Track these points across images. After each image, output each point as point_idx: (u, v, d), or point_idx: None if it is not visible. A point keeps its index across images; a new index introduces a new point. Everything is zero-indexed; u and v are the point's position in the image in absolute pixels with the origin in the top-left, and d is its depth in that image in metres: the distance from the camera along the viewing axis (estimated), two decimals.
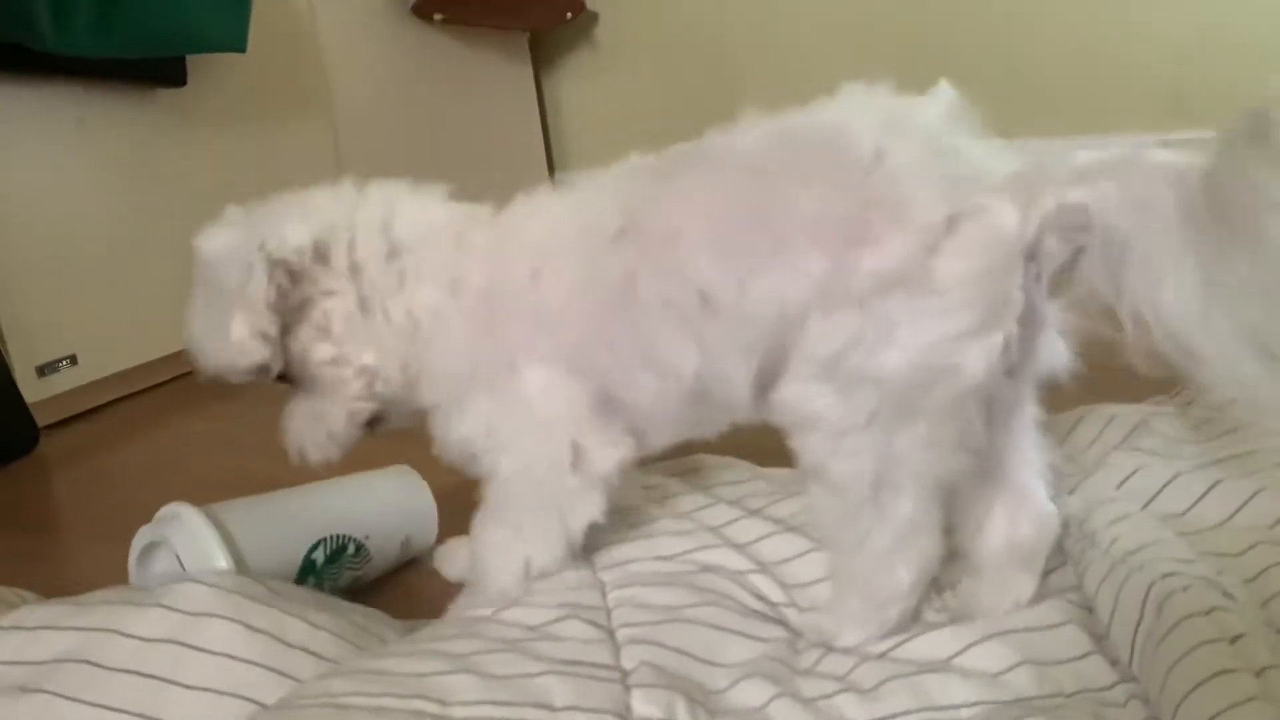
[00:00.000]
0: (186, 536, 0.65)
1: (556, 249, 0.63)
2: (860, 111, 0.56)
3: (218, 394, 1.28)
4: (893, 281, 0.50)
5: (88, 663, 0.53)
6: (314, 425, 0.67)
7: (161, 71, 1.29)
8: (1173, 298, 0.46)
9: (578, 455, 0.63)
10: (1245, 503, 0.66)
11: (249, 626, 0.56)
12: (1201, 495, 0.67)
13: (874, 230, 0.51)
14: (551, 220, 0.65)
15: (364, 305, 0.65)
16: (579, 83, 2.10)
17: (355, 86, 1.61)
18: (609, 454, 0.63)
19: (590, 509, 0.64)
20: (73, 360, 1.23)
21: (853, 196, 0.52)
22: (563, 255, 0.62)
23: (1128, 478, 0.70)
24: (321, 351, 0.65)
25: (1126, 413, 0.79)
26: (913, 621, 0.59)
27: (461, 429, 0.65)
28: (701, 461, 0.81)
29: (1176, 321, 0.46)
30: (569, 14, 1.94)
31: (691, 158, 0.60)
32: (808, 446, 0.55)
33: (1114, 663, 0.53)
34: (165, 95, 1.31)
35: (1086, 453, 0.76)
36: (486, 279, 0.64)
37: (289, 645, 0.56)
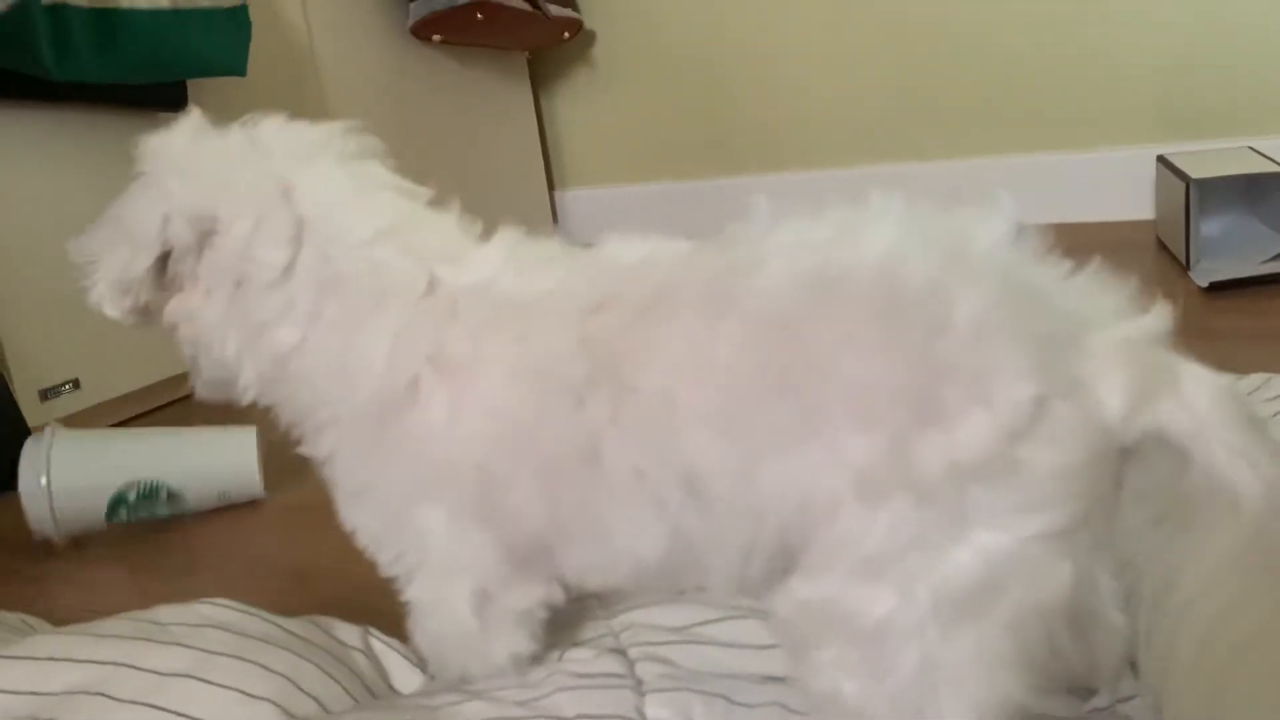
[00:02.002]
0: (30, 453, 0.86)
1: (487, 387, 0.51)
2: (911, 241, 0.43)
3: (221, 415, 1.28)
4: (969, 473, 0.39)
5: (102, 695, 0.53)
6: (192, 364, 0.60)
7: (162, 95, 1.29)
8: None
9: (485, 600, 0.54)
10: None
11: (266, 669, 0.55)
12: None
13: (946, 407, 0.39)
14: (489, 340, 0.52)
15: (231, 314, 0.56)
16: (577, 101, 2.11)
17: (354, 107, 1.61)
18: (529, 593, 0.55)
19: (508, 645, 0.55)
20: (75, 384, 1.23)
21: (915, 361, 0.40)
22: (496, 395, 0.51)
23: None
24: (181, 333, 0.60)
25: None
26: None
27: (347, 521, 0.57)
28: None
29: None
30: (566, 34, 1.94)
31: (692, 291, 0.46)
32: (820, 663, 0.43)
33: None
34: (166, 119, 1.31)
35: None
36: (380, 386, 0.52)
37: (303, 691, 0.55)
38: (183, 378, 1.34)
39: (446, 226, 0.58)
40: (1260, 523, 0.38)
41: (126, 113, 1.27)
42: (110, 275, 0.59)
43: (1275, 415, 0.83)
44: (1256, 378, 0.90)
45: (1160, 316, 0.42)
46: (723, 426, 0.44)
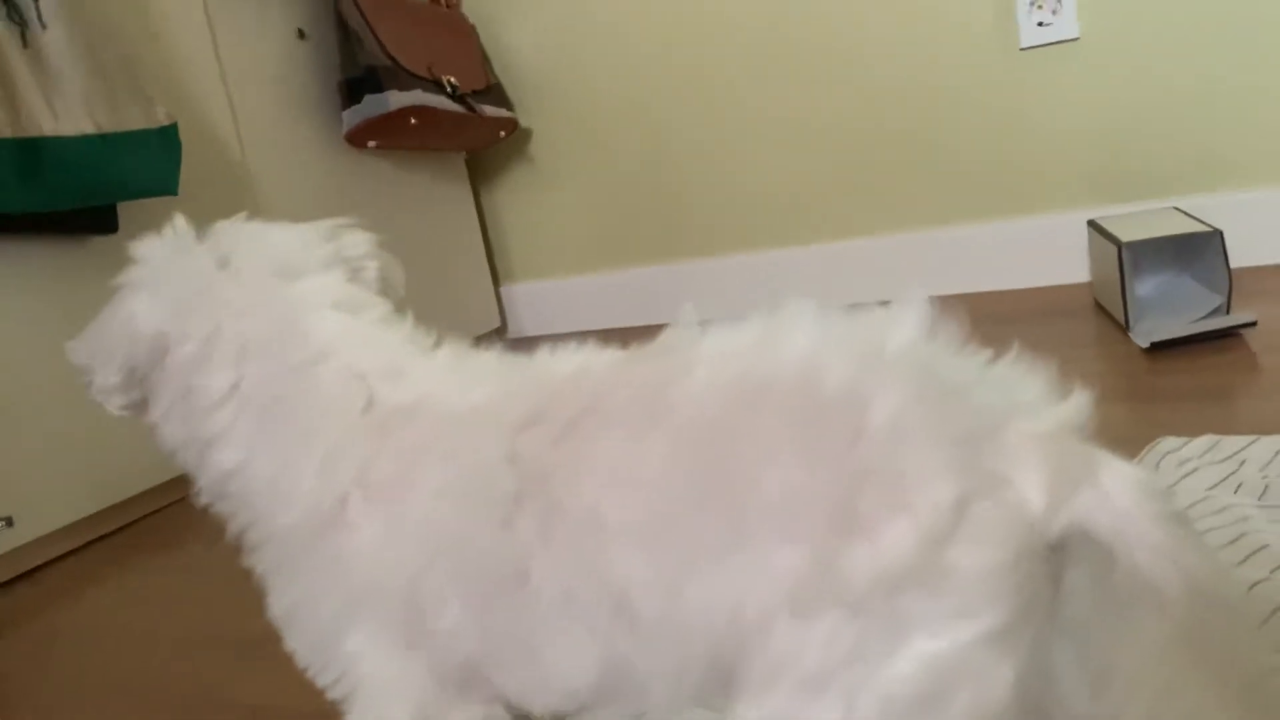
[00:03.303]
0: None
1: (415, 508, 0.50)
2: (826, 343, 0.43)
3: (161, 545, 1.25)
4: (898, 581, 0.38)
5: None
6: None
7: (92, 220, 1.27)
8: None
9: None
10: None
11: None
12: None
13: (868, 515, 0.38)
14: (417, 459, 0.51)
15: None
16: (518, 196, 2.12)
17: (289, 217, 1.60)
18: (470, 716, 0.52)
19: None
20: (8, 522, 1.18)
21: (834, 470, 0.40)
22: (423, 516, 0.50)
23: None
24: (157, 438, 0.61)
25: None
26: None
27: (287, 641, 0.55)
28: None
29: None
30: (503, 133, 1.96)
31: (619, 405, 0.46)
32: None
33: None
34: (97, 242, 1.30)
35: None
36: (309, 506, 0.53)
37: None
38: (122, 506, 1.31)
39: (391, 343, 0.58)
40: (1184, 618, 0.38)
41: (56, 239, 1.25)
42: (95, 381, 0.62)
43: (1227, 478, 0.83)
44: (1205, 440, 0.90)
45: (1078, 406, 0.41)
46: (650, 543, 0.43)
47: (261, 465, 0.55)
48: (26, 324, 1.23)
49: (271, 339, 0.56)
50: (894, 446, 0.39)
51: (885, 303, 0.43)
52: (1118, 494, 0.39)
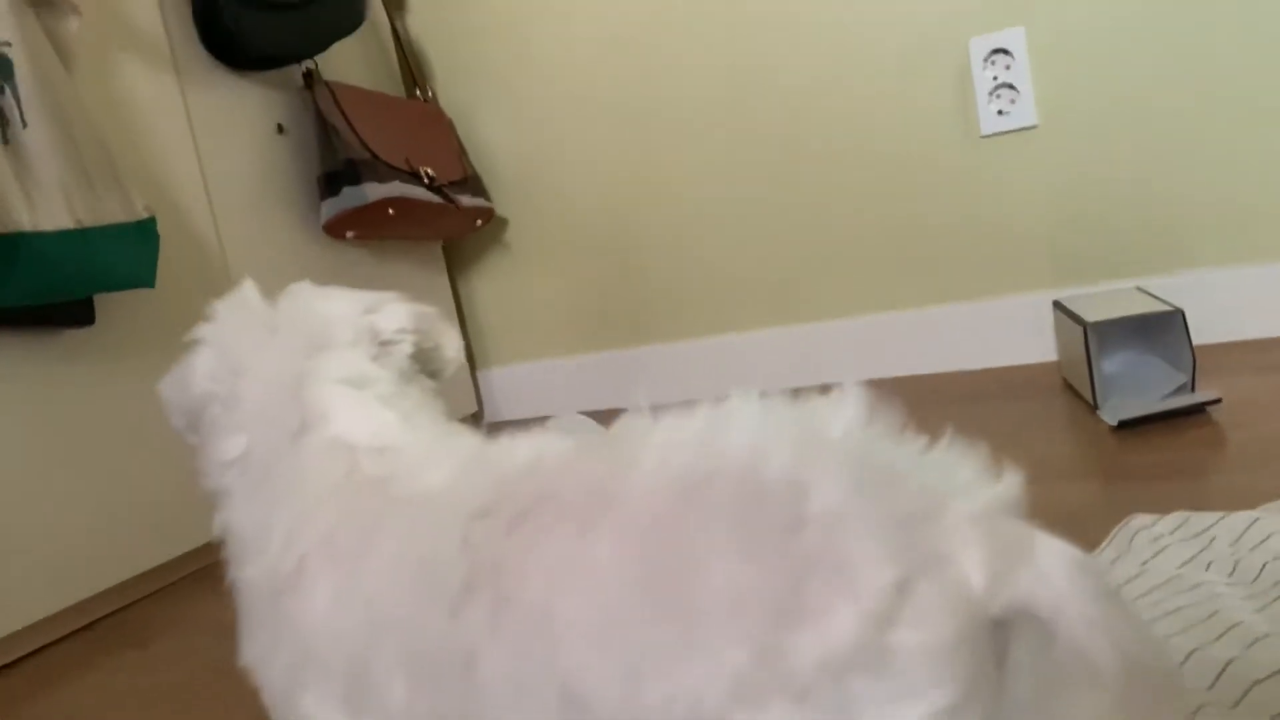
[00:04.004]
0: None
1: (369, 581, 0.51)
2: (767, 433, 0.43)
3: (130, 642, 1.22)
4: (843, 666, 0.38)
5: None
6: None
7: (69, 313, 1.28)
8: None
9: None
10: (1184, 660, 0.66)
11: None
12: None
13: (811, 603, 0.39)
14: (379, 534, 0.52)
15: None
16: (494, 282, 2.14)
17: None
18: None
19: None
20: None
21: (776, 560, 0.40)
22: (376, 591, 0.51)
23: None
24: None
25: None
26: None
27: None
28: None
29: None
30: (479, 221, 1.99)
31: (569, 497, 0.46)
32: None
33: None
34: (72, 336, 1.30)
35: None
36: (272, 564, 0.55)
37: None
38: (92, 601, 1.29)
39: (382, 418, 0.60)
40: (1121, 696, 0.38)
41: (29, 331, 1.25)
42: (171, 420, 0.69)
43: (1198, 555, 0.84)
44: (1175, 517, 0.91)
45: (1012, 485, 0.42)
46: (601, 640, 0.43)
47: (246, 522, 0.60)
48: (0, 418, 1.23)
49: (276, 408, 0.61)
50: (834, 532, 0.39)
51: (825, 388, 0.45)
52: (1054, 571, 0.39)
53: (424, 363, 0.69)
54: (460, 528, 0.48)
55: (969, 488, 0.41)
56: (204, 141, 1.54)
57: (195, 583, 1.40)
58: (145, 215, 1.30)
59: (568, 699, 0.43)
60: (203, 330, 0.67)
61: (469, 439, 0.59)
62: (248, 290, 0.68)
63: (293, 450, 0.59)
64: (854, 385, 0.44)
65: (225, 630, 1.19)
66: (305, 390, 0.60)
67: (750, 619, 0.39)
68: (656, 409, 0.48)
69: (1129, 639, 0.39)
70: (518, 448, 0.52)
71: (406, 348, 0.66)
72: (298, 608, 0.53)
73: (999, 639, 0.40)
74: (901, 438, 0.44)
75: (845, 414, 0.43)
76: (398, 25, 2.05)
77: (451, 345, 0.72)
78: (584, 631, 0.43)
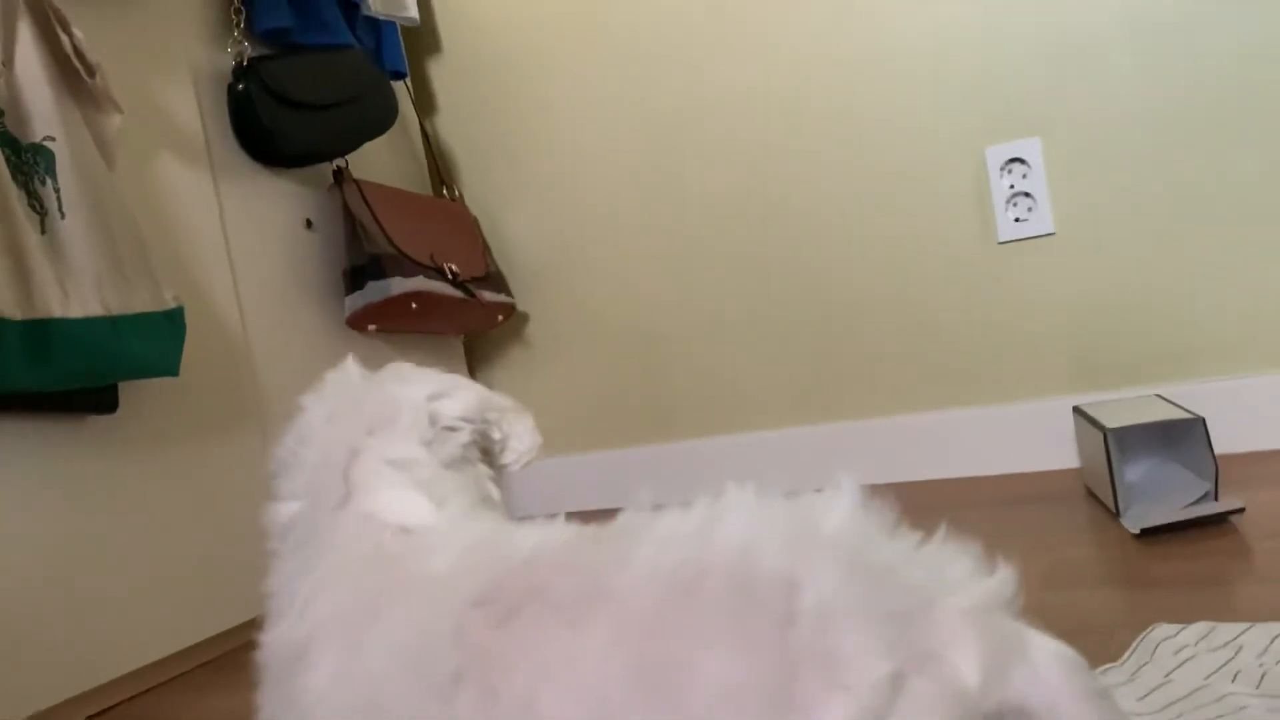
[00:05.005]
0: None
1: (370, 662, 0.51)
2: (760, 529, 0.44)
3: None
4: None
5: None
6: None
7: (93, 399, 1.29)
8: None
9: None
10: None
11: None
12: None
13: (805, 698, 0.38)
14: (385, 613, 0.53)
15: None
16: (514, 377, 2.15)
17: (290, 399, 1.62)
18: None
19: None
20: None
21: (770, 656, 0.39)
22: (374, 672, 0.51)
23: None
24: None
25: None
26: None
27: None
28: None
29: None
30: (500, 317, 2.01)
31: (561, 591, 0.46)
32: None
33: None
34: (95, 422, 1.31)
35: None
36: (287, 634, 0.57)
37: None
38: (102, 689, 1.27)
39: (414, 500, 0.62)
40: None
41: (53, 417, 1.27)
42: None
43: (1224, 665, 0.82)
44: (1200, 627, 0.90)
45: (1005, 581, 0.42)
46: None
47: (280, 586, 0.62)
48: (19, 509, 1.23)
49: (325, 479, 0.64)
50: (827, 628, 0.39)
51: (819, 490, 0.45)
52: (1047, 669, 0.40)
53: (490, 451, 0.73)
54: (456, 616, 0.49)
55: (962, 583, 0.42)
56: (234, 235, 1.57)
57: (208, 675, 1.38)
58: (174, 305, 1.33)
59: None
60: (303, 399, 0.71)
61: (488, 525, 0.60)
62: (350, 365, 0.73)
63: (331, 522, 0.61)
64: (848, 482, 0.44)
65: None
66: (353, 466, 0.63)
67: (743, 714, 0.39)
68: (657, 505, 0.48)
69: None
70: (523, 537, 0.53)
71: (464, 435, 0.69)
72: (303, 679, 0.54)
73: None
74: (895, 533, 0.44)
75: (838, 510, 0.44)
76: (426, 126, 2.11)
77: (524, 438, 0.75)
78: None
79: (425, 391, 0.69)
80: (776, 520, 0.44)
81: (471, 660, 0.47)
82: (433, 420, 0.68)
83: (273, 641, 0.59)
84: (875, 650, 0.38)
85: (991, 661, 0.39)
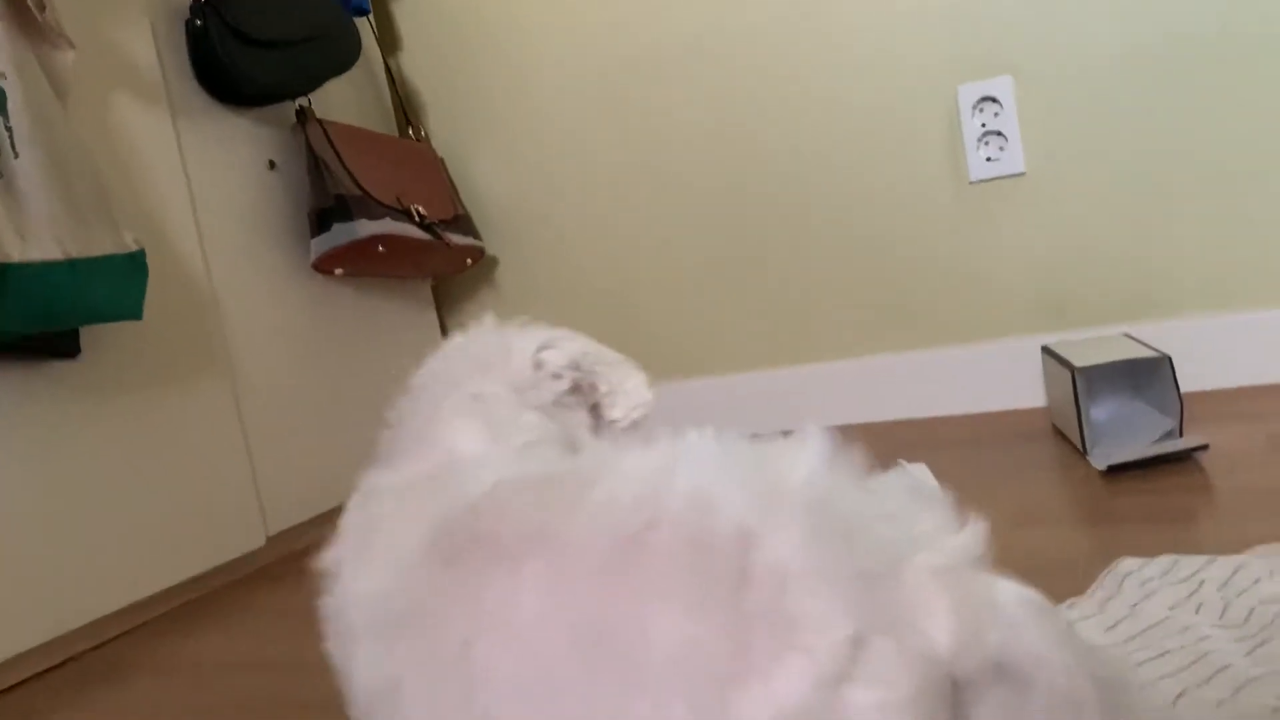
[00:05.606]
0: None
1: (357, 586, 0.52)
2: (719, 477, 0.41)
3: (105, 680, 1.20)
4: None
5: None
6: None
7: (53, 344, 1.27)
8: None
9: None
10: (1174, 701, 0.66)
11: None
12: None
13: (762, 658, 0.37)
14: (375, 538, 0.54)
15: None
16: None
17: (255, 344, 1.61)
18: None
19: None
20: None
21: (725, 615, 0.38)
22: (355, 600, 0.51)
23: None
24: None
25: None
26: None
27: None
28: None
29: None
30: (469, 260, 1.99)
31: (505, 534, 0.44)
32: None
33: None
34: (57, 367, 1.29)
35: None
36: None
37: None
38: (61, 640, 1.26)
39: (473, 432, 0.61)
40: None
41: (13, 362, 1.24)
42: None
43: (1188, 598, 0.84)
44: (1164, 560, 0.91)
45: (976, 535, 0.40)
46: (524, 692, 0.40)
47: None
48: None
49: (417, 408, 0.65)
50: (787, 588, 0.37)
51: (787, 432, 0.43)
52: (1023, 620, 0.39)
53: (594, 402, 0.74)
54: (410, 556, 0.48)
55: (931, 539, 0.40)
56: (196, 176, 1.54)
57: (172, 621, 1.38)
58: (135, 248, 1.30)
59: None
60: (448, 340, 0.73)
61: (527, 463, 0.57)
62: (488, 318, 0.75)
63: (408, 442, 0.62)
64: (816, 428, 0.42)
65: (201, 671, 1.17)
66: (447, 397, 0.65)
67: (699, 671, 0.37)
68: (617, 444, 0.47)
69: (1104, 671, 0.39)
70: (477, 475, 0.51)
71: (564, 384, 0.70)
72: (337, 586, 0.54)
73: (962, 697, 0.38)
74: (862, 485, 0.42)
75: (804, 459, 0.42)
76: (391, 64, 2.07)
77: (631, 394, 0.76)
78: (507, 682, 0.40)
79: (537, 341, 0.71)
80: (737, 469, 0.42)
81: (414, 606, 0.45)
82: (537, 367, 0.69)
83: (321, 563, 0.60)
84: (836, 611, 0.37)
85: (963, 623, 0.37)
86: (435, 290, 2.12)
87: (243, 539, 1.52)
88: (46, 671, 1.26)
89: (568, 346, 0.72)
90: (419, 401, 0.66)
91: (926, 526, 0.41)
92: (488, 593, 0.42)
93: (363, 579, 0.51)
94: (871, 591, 0.38)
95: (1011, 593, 0.40)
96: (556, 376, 0.70)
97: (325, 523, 1.69)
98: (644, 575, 0.39)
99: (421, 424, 0.63)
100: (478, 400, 0.64)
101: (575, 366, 0.72)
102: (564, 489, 0.45)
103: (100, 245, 1.25)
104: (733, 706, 0.36)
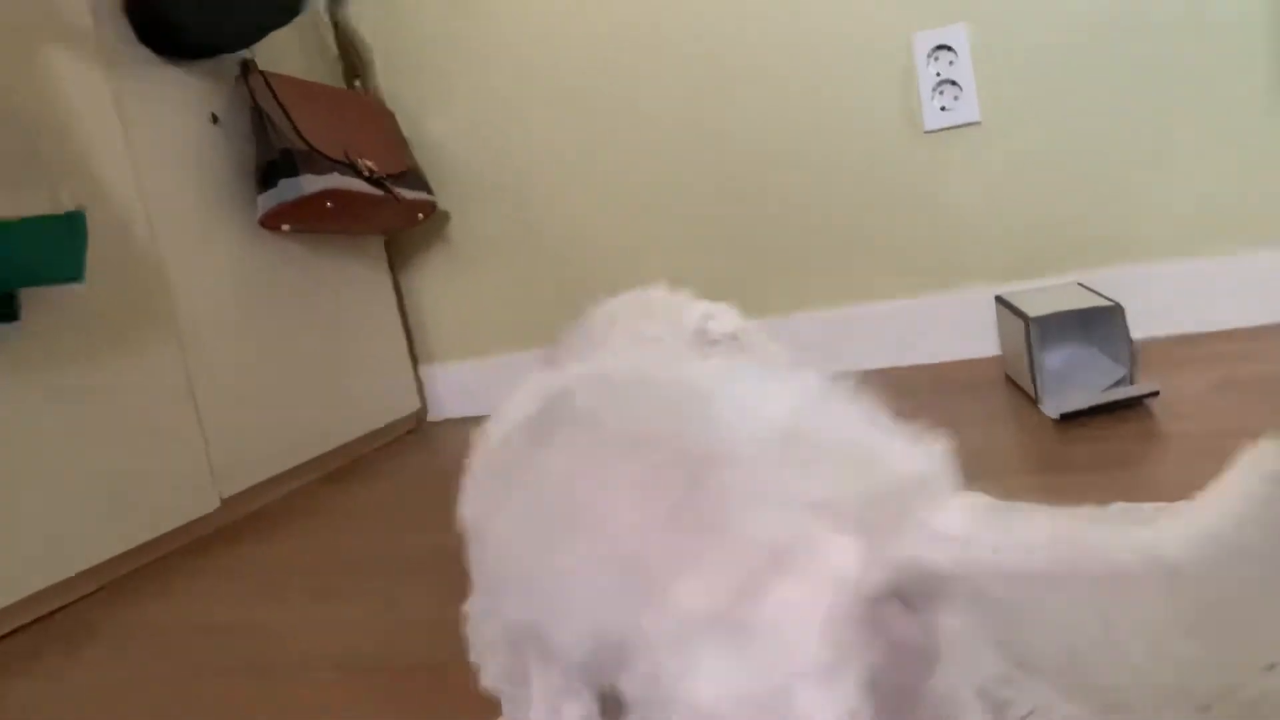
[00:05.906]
0: None
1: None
2: (715, 401, 0.48)
3: (62, 646, 1.18)
4: (706, 622, 0.40)
5: None
6: None
7: None
8: None
9: None
10: None
11: None
12: None
13: (687, 559, 0.42)
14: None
15: None
16: (437, 277, 2.11)
17: (203, 303, 1.57)
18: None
19: None
20: None
21: (669, 511, 0.43)
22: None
23: None
24: None
25: None
26: None
27: None
28: None
29: None
30: (421, 215, 1.96)
31: (506, 446, 0.56)
32: None
33: None
34: None
35: None
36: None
37: None
38: (15, 607, 1.24)
39: (626, 355, 0.69)
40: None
41: None
42: None
43: None
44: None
45: (934, 457, 0.44)
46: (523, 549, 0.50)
47: None
48: None
49: (581, 334, 0.75)
50: (724, 492, 0.42)
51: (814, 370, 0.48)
52: (950, 531, 0.40)
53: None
54: (512, 427, 0.57)
55: (886, 464, 0.44)
56: (135, 133, 1.49)
57: (127, 587, 1.36)
58: (73, 207, 1.26)
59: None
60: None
61: (711, 365, 0.65)
62: (661, 282, 0.82)
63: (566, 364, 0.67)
64: (814, 367, 0.48)
65: (157, 636, 1.16)
66: (610, 330, 0.73)
67: (645, 564, 0.43)
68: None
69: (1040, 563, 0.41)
70: (541, 382, 0.60)
71: (719, 352, 0.74)
72: None
73: (920, 609, 0.42)
74: (841, 420, 0.47)
75: (786, 395, 0.48)
76: (337, 16, 2.01)
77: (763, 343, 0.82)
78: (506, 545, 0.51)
79: (702, 310, 0.77)
80: (731, 396, 0.48)
81: (507, 465, 0.55)
82: (699, 333, 0.74)
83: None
84: (759, 525, 0.41)
85: (875, 550, 0.40)
86: (388, 245, 2.08)
87: (195, 503, 1.50)
88: (1, 638, 1.24)
89: (730, 318, 0.77)
90: (588, 330, 0.73)
91: (892, 454, 0.45)
92: (496, 495, 0.54)
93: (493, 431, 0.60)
94: (799, 507, 0.41)
95: (947, 504, 0.42)
96: (714, 343, 0.74)
97: (280, 484, 1.68)
98: (617, 475, 0.46)
99: (583, 346, 0.70)
100: (638, 336, 0.71)
101: (734, 338, 0.76)
102: (619, 390, 0.53)
103: (31, 205, 1.21)
104: (669, 593, 0.42)
